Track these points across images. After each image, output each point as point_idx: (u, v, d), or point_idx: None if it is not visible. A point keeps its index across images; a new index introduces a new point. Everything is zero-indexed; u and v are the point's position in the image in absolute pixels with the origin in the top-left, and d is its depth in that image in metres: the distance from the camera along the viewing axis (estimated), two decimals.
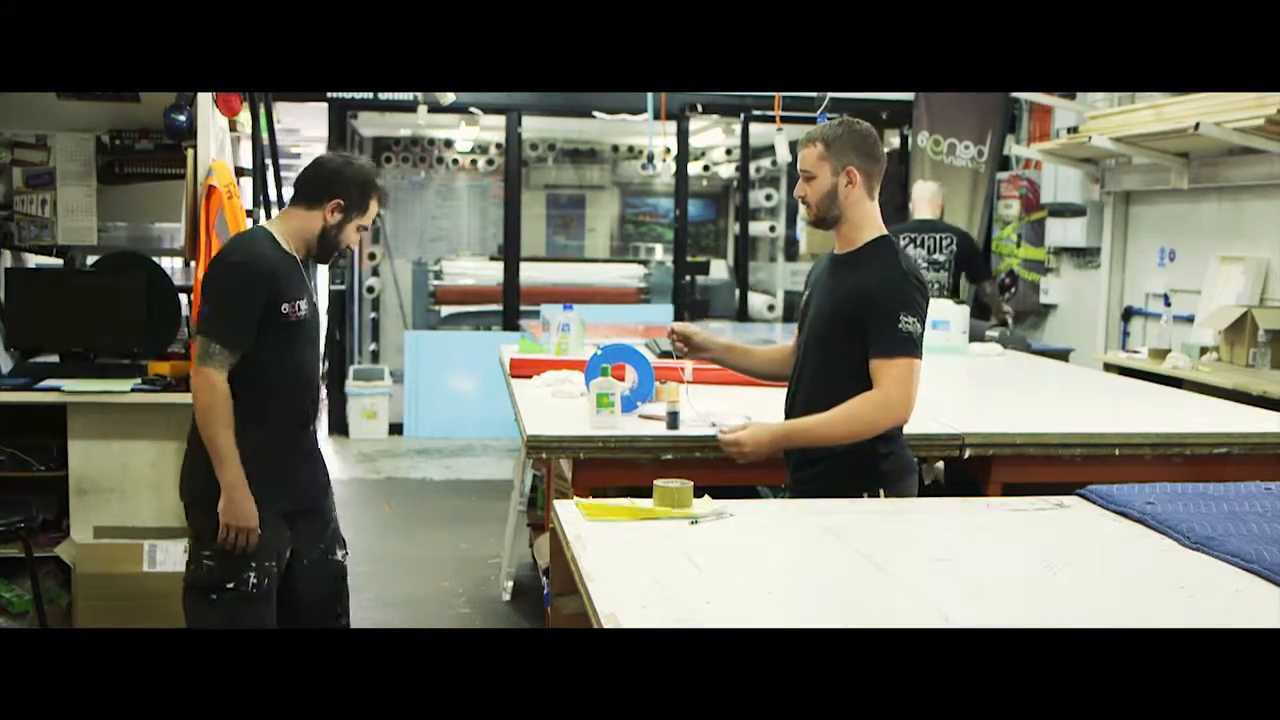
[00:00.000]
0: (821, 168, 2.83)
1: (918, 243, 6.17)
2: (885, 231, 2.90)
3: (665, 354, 4.40)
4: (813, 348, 2.90)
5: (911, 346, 2.75)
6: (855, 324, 2.78)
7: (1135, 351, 6.44)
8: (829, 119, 7.01)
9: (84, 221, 4.30)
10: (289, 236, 2.96)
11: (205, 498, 2.86)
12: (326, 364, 8.36)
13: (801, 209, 2.99)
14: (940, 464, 3.82)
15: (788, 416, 2.96)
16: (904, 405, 2.76)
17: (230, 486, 2.81)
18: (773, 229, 10.10)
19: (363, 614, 4.66)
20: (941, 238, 6.15)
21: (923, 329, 2.78)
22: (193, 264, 3.95)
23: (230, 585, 2.83)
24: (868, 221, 2.87)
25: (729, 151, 9.97)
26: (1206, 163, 6.28)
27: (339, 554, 3.17)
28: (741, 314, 8.78)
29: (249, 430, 2.86)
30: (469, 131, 9.16)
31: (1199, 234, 6.54)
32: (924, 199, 6.30)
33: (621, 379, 3.40)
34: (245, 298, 2.83)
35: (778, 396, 3.78)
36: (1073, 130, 7.25)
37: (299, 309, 2.91)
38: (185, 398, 3.88)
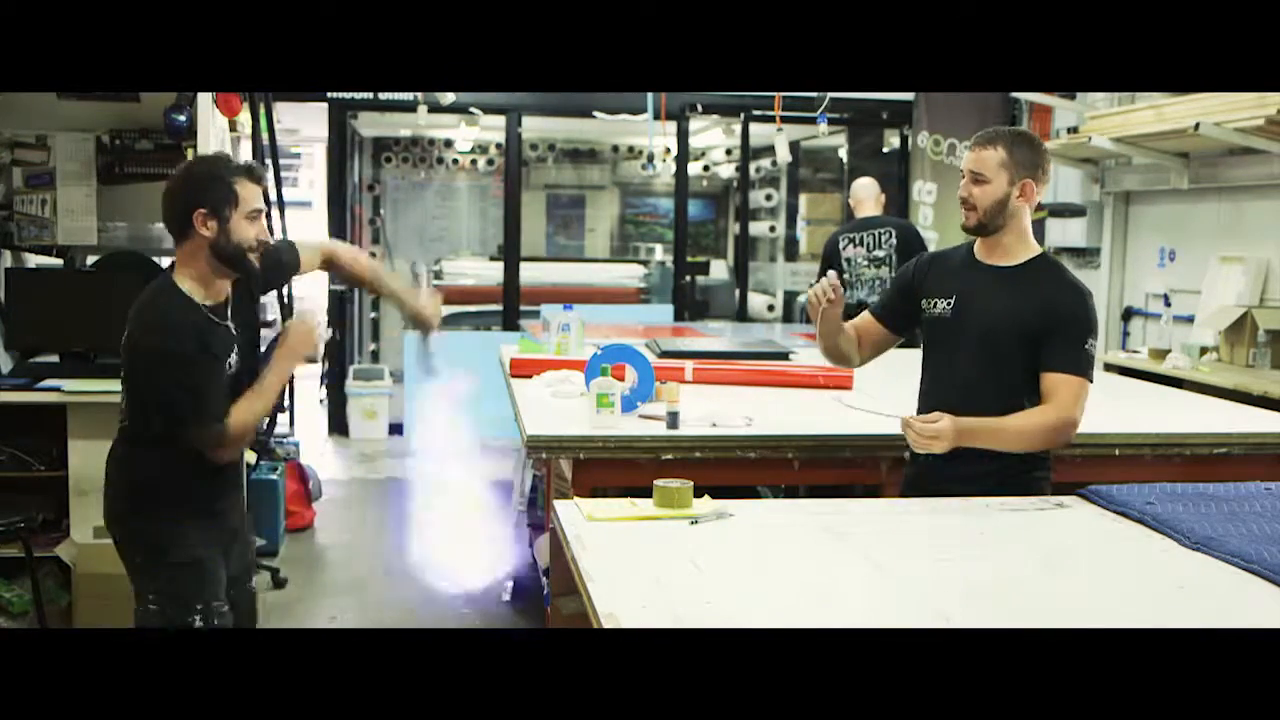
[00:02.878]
0: (999, 175, 2.76)
1: (857, 241, 6.00)
2: (1042, 249, 2.88)
3: (665, 354, 4.41)
4: (983, 358, 2.80)
5: (1089, 369, 2.74)
6: (1039, 338, 2.74)
7: (1135, 351, 6.44)
8: (828, 119, 7.03)
9: (84, 221, 4.31)
10: (193, 283, 2.66)
11: (141, 532, 2.71)
12: (326, 364, 8.37)
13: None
14: None
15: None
16: (1077, 426, 2.74)
17: (282, 378, 2.75)
18: (773, 229, 10.10)
19: (363, 614, 4.66)
20: (880, 233, 6.04)
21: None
22: None
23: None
24: (1028, 236, 2.84)
25: (729, 151, 9.97)
26: (1206, 163, 6.28)
27: (253, 582, 3.03)
28: (741, 314, 8.78)
29: (175, 469, 2.70)
30: (469, 131, 9.16)
31: (1199, 234, 6.54)
32: (869, 198, 6.14)
33: (621, 379, 3.40)
34: (200, 367, 2.60)
35: (779, 398, 3.79)
36: (1073, 130, 7.25)
37: (230, 366, 2.70)
38: None
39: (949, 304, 2.88)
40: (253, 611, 3.01)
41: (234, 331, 2.72)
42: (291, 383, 2.93)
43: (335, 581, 5.01)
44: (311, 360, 2.82)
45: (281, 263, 2.90)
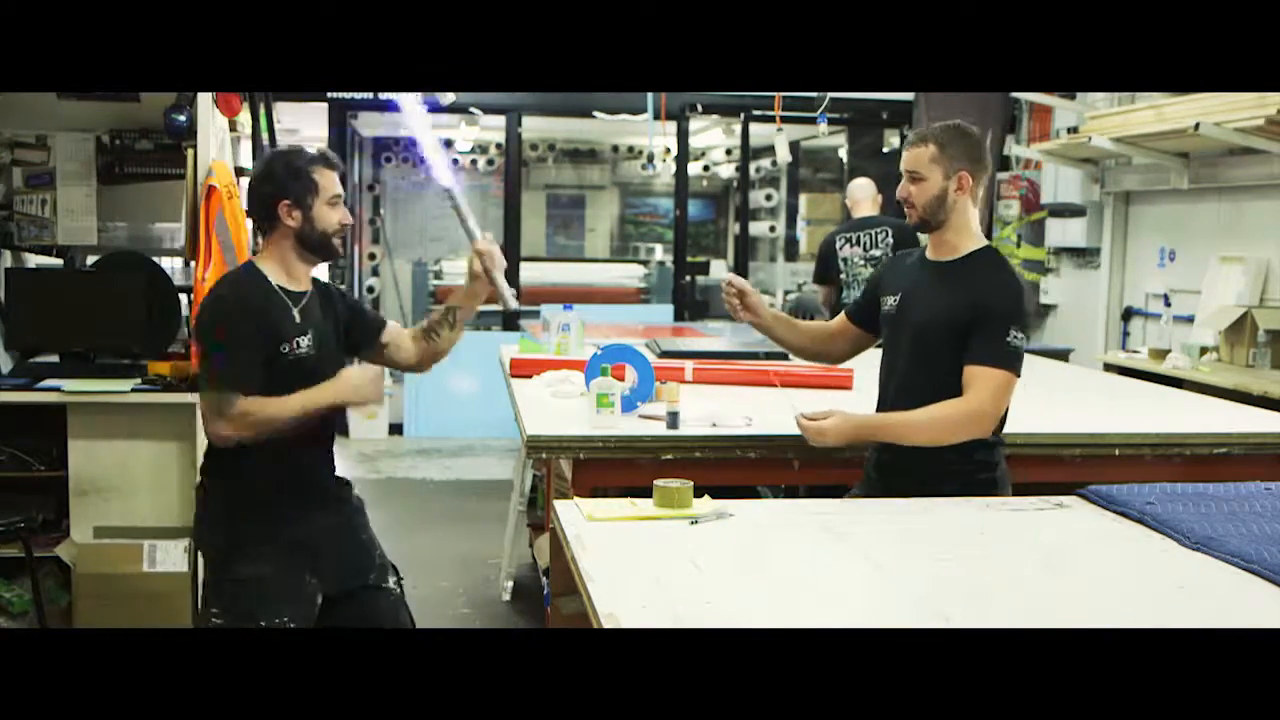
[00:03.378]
0: (933, 170, 2.77)
1: (854, 241, 6.00)
2: (988, 241, 2.89)
3: (665, 354, 4.41)
4: (916, 355, 2.83)
5: (1013, 360, 2.72)
6: (966, 331, 2.74)
7: (1135, 351, 6.45)
8: (828, 119, 7.04)
9: (84, 221, 4.31)
10: (273, 264, 2.75)
11: (224, 553, 2.71)
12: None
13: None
14: None
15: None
16: (992, 418, 2.73)
17: (318, 404, 2.71)
18: (773, 229, 10.11)
19: None
20: (876, 232, 6.04)
21: (1026, 346, 2.76)
22: (193, 264, 3.96)
23: None
24: (971, 229, 2.84)
25: (729, 151, 9.97)
26: (1206, 163, 6.28)
27: (390, 582, 2.96)
28: None
29: (248, 477, 2.71)
30: (469, 131, 9.16)
31: (1199, 234, 6.55)
32: (866, 198, 6.15)
33: (621, 379, 3.40)
34: (246, 336, 2.65)
35: (779, 398, 3.79)
36: (1073, 130, 7.25)
37: (298, 346, 2.72)
38: (185, 398, 3.90)
39: (896, 300, 2.92)
40: (386, 619, 2.91)
41: (299, 321, 2.75)
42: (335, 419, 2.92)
43: None
44: (361, 405, 2.84)
45: (366, 323, 2.98)
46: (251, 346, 2.66)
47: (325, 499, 2.86)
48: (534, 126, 9.18)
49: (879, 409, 2.94)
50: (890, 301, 2.93)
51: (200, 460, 2.87)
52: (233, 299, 2.71)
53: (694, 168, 9.81)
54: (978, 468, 2.80)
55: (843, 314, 3.19)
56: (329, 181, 2.76)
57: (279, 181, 2.72)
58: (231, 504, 2.73)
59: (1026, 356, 5.96)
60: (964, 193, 2.79)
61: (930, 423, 2.74)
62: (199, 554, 2.80)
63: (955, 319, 2.75)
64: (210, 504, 2.78)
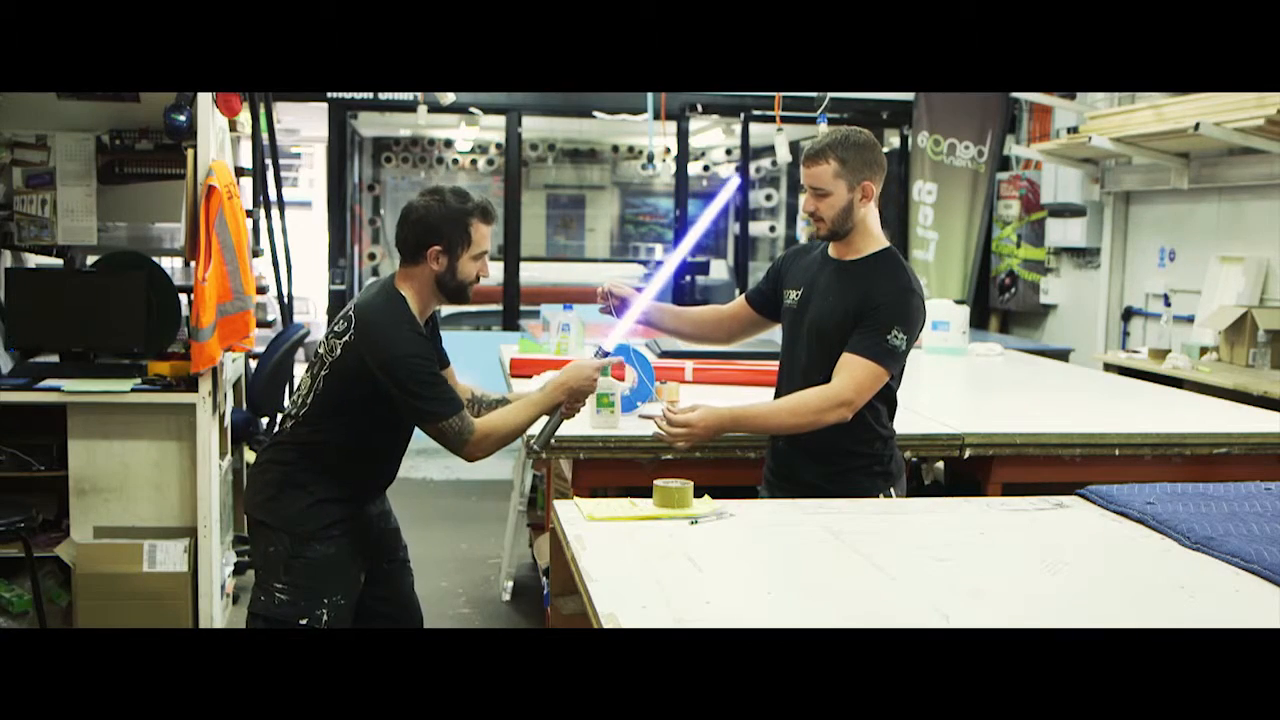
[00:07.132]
0: (837, 185, 2.80)
1: None
2: (888, 243, 2.92)
3: (665, 354, 4.41)
4: (814, 348, 2.87)
5: (888, 358, 2.75)
6: (855, 327, 2.78)
7: (1135, 351, 6.44)
8: (828, 119, 7.04)
9: (84, 221, 4.30)
10: (412, 296, 2.81)
11: (311, 533, 2.78)
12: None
13: (803, 221, 2.98)
14: (940, 464, 3.82)
15: None
16: (850, 407, 2.75)
17: (550, 404, 2.87)
18: (773, 229, 10.10)
19: None
20: None
21: (907, 350, 2.79)
22: (193, 264, 3.95)
23: (303, 622, 2.74)
24: (873, 232, 2.88)
25: (729, 151, 9.97)
26: (1206, 163, 6.28)
27: (410, 560, 3.18)
28: None
29: (351, 473, 2.84)
30: (469, 131, 9.16)
31: (1199, 234, 6.54)
32: None
33: (621, 379, 3.40)
34: (432, 359, 2.79)
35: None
36: (1073, 130, 7.25)
37: None
38: (185, 397, 3.91)
39: (798, 295, 2.96)
40: (410, 592, 3.15)
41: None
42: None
43: None
44: (574, 403, 2.92)
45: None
46: (437, 368, 2.80)
47: (384, 496, 3.06)
48: (534, 126, 9.17)
49: (776, 398, 2.96)
50: (793, 296, 2.98)
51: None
52: (416, 329, 2.77)
53: (694, 168, 9.80)
54: (870, 460, 2.85)
55: (742, 298, 3.20)
56: (481, 236, 2.83)
57: (434, 226, 2.78)
58: (329, 493, 2.81)
59: (1027, 355, 5.98)
60: (867, 199, 2.83)
61: (792, 410, 2.79)
62: (264, 530, 2.82)
63: (846, 314, 2.80)
64: (303, 490, 2.82)
